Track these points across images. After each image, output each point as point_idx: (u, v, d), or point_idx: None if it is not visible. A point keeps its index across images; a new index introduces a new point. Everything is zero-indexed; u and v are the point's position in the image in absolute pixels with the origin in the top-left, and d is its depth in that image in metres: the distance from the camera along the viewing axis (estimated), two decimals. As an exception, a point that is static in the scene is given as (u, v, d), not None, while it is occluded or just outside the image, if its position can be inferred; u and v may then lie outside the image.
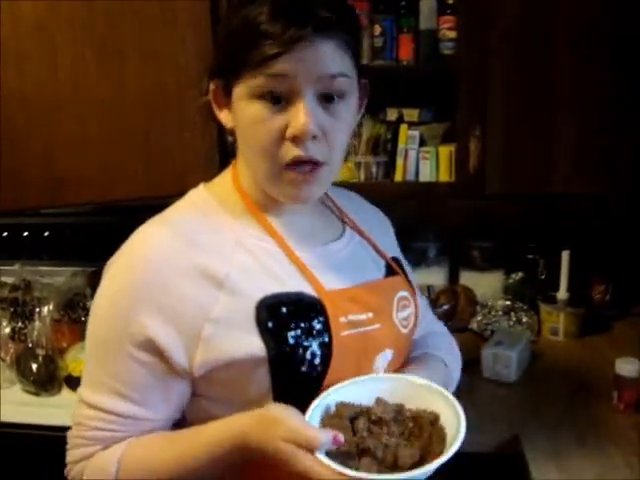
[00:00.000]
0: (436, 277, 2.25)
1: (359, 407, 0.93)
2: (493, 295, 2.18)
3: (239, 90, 0.94)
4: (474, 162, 1.85)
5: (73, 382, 1.87)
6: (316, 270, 1.01)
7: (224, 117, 1.01)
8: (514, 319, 2.05)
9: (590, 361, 1.88)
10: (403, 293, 1.13)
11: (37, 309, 1.97)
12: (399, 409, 0.93)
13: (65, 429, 1.73)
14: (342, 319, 0.99)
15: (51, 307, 1.96)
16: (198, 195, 1.05)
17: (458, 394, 1.70)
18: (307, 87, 0.91)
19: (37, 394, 1.84)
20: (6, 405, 1.77)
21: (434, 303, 2.11)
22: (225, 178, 1.08)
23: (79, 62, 1.76)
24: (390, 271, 1.15)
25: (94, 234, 2.39)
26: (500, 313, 2.06)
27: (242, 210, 1.03)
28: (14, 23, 1.70)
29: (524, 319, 2.05)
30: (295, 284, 0.99)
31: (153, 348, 0.94)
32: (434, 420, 0.92)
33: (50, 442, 1.75)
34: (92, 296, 2.20)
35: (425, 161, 1.95)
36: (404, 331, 1.10)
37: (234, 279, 0.95)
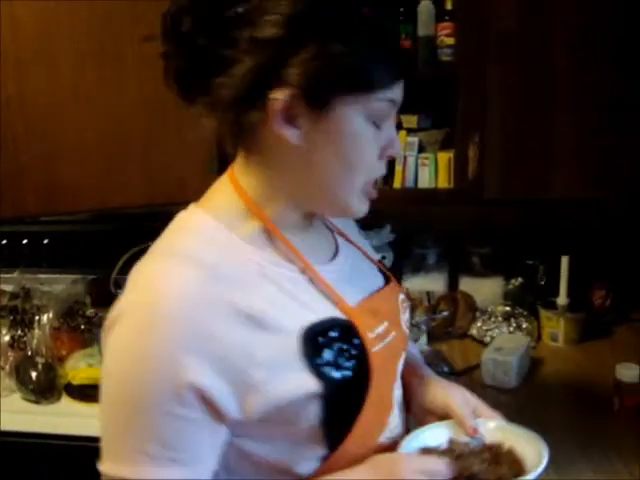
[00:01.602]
0: (435, 283, 2.25)
1: (439, 448, 1.00)
2: (493, 301, 2.17)
3: (346, 108, 0.88)
4: (473, 168, 1.85)
5: (72, 390, 1.87)
6: (336, 288, 0.98)
7: (287, 132, 0.88)
8: (514, 325, 2.04)
9: (590, 367, 1.88)
10: (402, 296, 1.14)
11: (36, 317, 1.97)
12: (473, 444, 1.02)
13: (64, 437, 1.73)
14: (370, 335, 0.97)
15: (50, 315, 1.96)
16: (202, 221, 0.93)
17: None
18: None
19: (36, 402, 1.84)
20: (5, 413, 1.76)
21: (434, 309, 2.11)
22: (225, 198, 0.96)
23: (78, 69, 1.76)
24: (385, 276, 1.15)
25: (93, 242, 2.40)
26: (500, 319, 2.06)
27: (256, 233, 0.94)
28: (13, 29, 1.70)
29: (524, 325, 2.05)
30: (324, 309, 0.95)
31: (201, 401, 0.83)
32: (508, 448, 1.03)
33: (49, 450, 1.75)
34: (92, 304, 2.24)
35: (424, 167, 1.96)
36: (407, 332, 1.12)
37: (271, 316, 0.88)
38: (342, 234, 1.14)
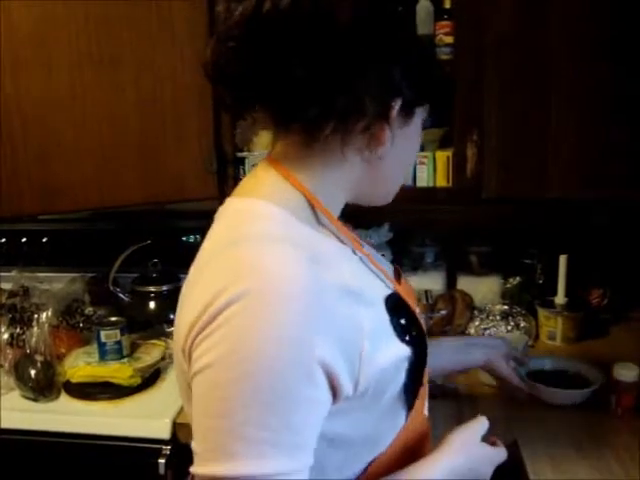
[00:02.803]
0: (434, 282, 2.25)
1: None
2: (491, 300, 2.18)
3: (420, 111, 1.00)
4: (471, 167, 1.85)
5: (71, 388, 1.87)
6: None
7: (386, 136, 0.94)
8: (512, 324, 2.05)
9: (588, 365, 1.89)
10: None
11: (35, 315, 1.96)
12: None
13: (63, 435, 1.74)
14: (416, 310, 1.06)
15: (49, 313, 1.95)
16: (267, 208, 0.93)
17: (457, 400, 1.71)
18: None
19: (35, 400, 1.84)
20: (5, 411, 1.77)
21: (432, 308, 2.11)
22: (282, 190, 0.96)
23: (75, 70, 1.77)
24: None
25: (92, 240, 2.40)
26: (498, 318, 2.06)
27: (311, 219, 0.97)
28: (10, 31, 1.71)
29: (522, 324, 2.05)
30: (382, 285, 1.01)
31: (327, 380, 0.84)
32: None
33: (48, 448, 1.76)
34: (90, 302, 2.25)
35: (422, 166, 1.95)
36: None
37: (363, 289, 0.91)
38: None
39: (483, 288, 2.22)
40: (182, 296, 0.94)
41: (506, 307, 2.10)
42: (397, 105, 0.92)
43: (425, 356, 1.01)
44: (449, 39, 1.87)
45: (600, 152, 1.78)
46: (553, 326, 2.05)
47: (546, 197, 1.89)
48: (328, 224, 0.99)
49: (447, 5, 1.89)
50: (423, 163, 1.95)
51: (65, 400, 1.86)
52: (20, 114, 1.75)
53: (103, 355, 1.92)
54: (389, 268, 1.14)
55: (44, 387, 1.85)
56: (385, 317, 0.95)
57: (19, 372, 1.87)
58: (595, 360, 1.83)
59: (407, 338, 0.96)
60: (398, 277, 1.14)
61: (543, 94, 1.78)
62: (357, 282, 0.92)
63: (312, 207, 0.97)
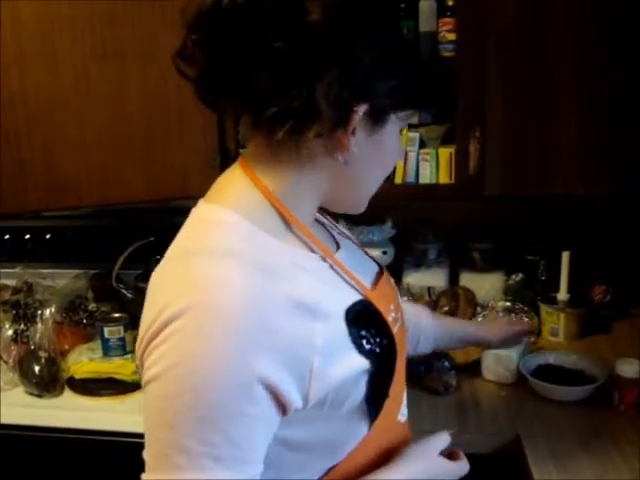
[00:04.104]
0: (436, 278, 2.25)
1: None
2: (493, 296, 2.18)
3: (395, 122, 0.96)
4: (474, 163, 1.85)
5: (75, 384, 1.88)
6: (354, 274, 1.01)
7: (349, 141, 0.90)
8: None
9: (590, 362, 1.89)
10: (392, 280, 1.20)
11: (39, 311, 1.97)
12: None
13: (67, 431, 1.74)
14: (389, 317, 1.02)
15: (53, 309, 1.96)
16: (225, 216, 0.91)
17: (460, 396, 1.72)
18: None
19: (39, 396, 1.85)
20: (8, 407, 1.78)
21: (434, 304, 2.11)
22: (244, 193, 0.95)
23: (79, 65, 1.77)
24: (376, 262, 1.20)
25: (95, 236, 2.40)
26: (500, 314, 2.06)
27: (277, 225, 0.94)
28: (14, 26, 1.71)
29: (524, 320, 2.05)
30: (350, 293, 0.98)
31: (270, 396, 0.84)
32: None
33: (52, 443, 1.76)
34: (94, 298, 2.25)
35: (425, 163, 1.96)
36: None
37: (318, 302, 0.89)
38: (335, 226, 1.18)
39: (486, 284, 2.22)
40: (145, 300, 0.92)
41: (509, 303, 2.09)
42: (361, 111, 0.88)
43: (392, 366, 0.99)
44: (452, 36, 1.87)
45: (602, 149, 1.79)
46: (556, 322, 2.05)
47: (548, 194, 1.89)
48: (296, 231, 0.96)
49: (450, 2, 1.89)
50: (426, 160, 1.95)
51: (69, 396, 1.86)
52: (25, 109, 1.75)
53: (107, 351, 1.93)
54: (371, 270, 1.13)
55: (48, 383, 1.85)
56: (343, 330, 0.92)
57: (23, 368, 1.88)
58: (598, 356, 1.83)
59: (368, 349, 0.94)
60: (378, 279, 1.11)
61: (546, 91, 1.78)
62: (314, 294, 0.89)
63: (280, 215, 0.94)
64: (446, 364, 1.78)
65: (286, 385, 0.84)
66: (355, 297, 0.97)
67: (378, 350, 0.96)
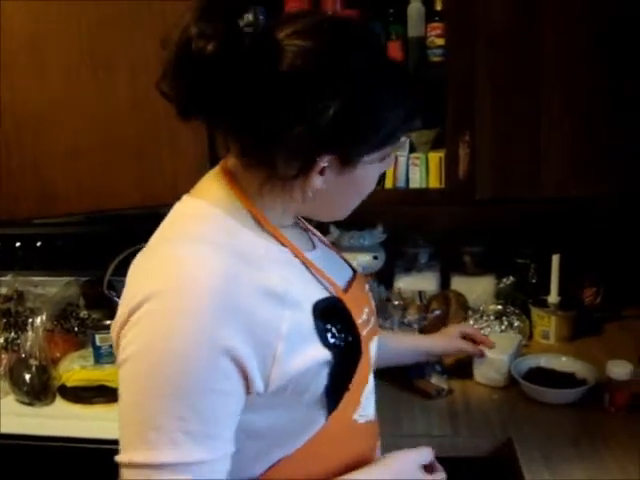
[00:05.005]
0: (427, 282, 2.25)
1: None
2: (485, 300, 2.18)
3: (372, 157, 0.99)
4: (464, 168, 1.86)
5: (66, 392, 1.87)
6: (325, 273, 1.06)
7: (317, 181, 0.97)
8: (506, 323, 2.05)
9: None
10: (367, 285, 1.25)
11: (30, 319, 1.96)
12: None
13: (58, 439, 1.73)
14: (359, 320, 1.06)
15: (44, 317, 1.95)
16: (204, 209, 0.98)
17: (452, 400, 1.72)
18: None
19: (30, 404, 1.84)
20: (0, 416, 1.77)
21: (426, 308, 2.11)
22: (220, 189, 1.01)
23: (69, 73, 1.77)
24: (351, 267, 1.24)
25: (87, 244, 2.39)
26: (492, 318, 2.06)
27: (252, 224, 1.00)
28: (4, 36, 1.71)
29: (516, 323, 2.06)
30: (321, 290, 1.03)
31: (238, 371, 0.88)
32: None
33: (44, 452, 1.76)
34: (85, 306, 2.24)
35: (415, 167, 1.96)
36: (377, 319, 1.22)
37: (288, 292, 0.94)
38: (309, 229, 1.22)
39: (477, 288, 2.23)
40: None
41: (500, 307, 2.10)
42: (323, 162, 0.94)
43: (355, 362, 1.02)
44: (441, 41, 1.88)
45: (592, 152, 1.80)
46: (547, 325, 2.06)
47: (539, 197, 1.90)
48: (268, 230, 1.01)
49: (438, 7, 1.89)
50: (416, 165, 1.96)
51: (60, 404, 1.85)
52: (14, 117, 1.75)
53: (98, 359, 1.92)
54: (345, 274, 1.18)
55: (39, 391, 1.84)
56: (309, 321, 0.96)
57: (14, 376, 1.87)
58: (589, 358, 1.83)
59: (332, 342, 0.98)
60: (351, 283, 1.16)
61: (535, 94, 1.79)
62: (285, 285, 0.94)
63: (252, 216, 1.00)
64: (437, 368, 1.78)
65: (251, 364, 0.88)
66: (324, 294, 1.02)
67: (342, 345, 0.99)
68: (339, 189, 1.01)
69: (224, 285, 0.86)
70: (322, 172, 0.96)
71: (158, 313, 0.86)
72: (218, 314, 0.85)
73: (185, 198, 1.03)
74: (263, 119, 0.90)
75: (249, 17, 0.89)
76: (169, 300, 0.86)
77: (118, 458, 0.88)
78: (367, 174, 1.02)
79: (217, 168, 1.06)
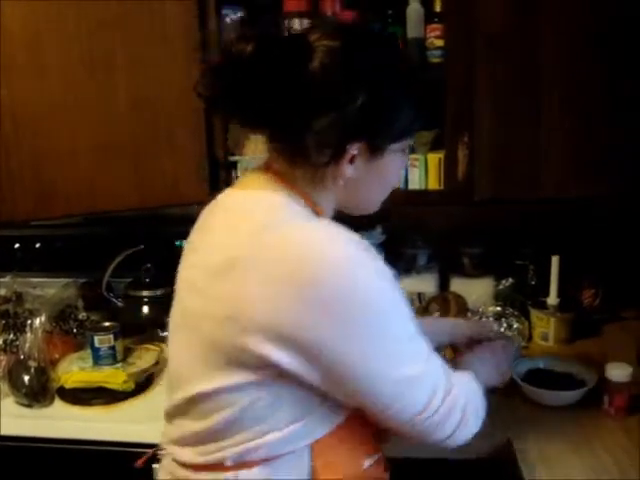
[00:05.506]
0: (426, 284, 2.25)
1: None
2: (484, 301, 2.18)
3: (395, 146, 1.11)
4: (463, 169, 1.86)
5: (65, 394, 1.87)
6: None
7: (349, 169, 1.08)
8: (505, 325, 2.05)
9: (581, 366, 1.89)
10: None
11: (29, 321, 1.96)
12: None
13: (57, 441, 1.72)
14: None
15: (43, 319, 1.95)
16: (282, 199, 1.09)
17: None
18: None
19: (29, 406, 1.84)
20: (-2, 418, 1.77)
21: (425, 310, 2.11)
22: (275, 189, 1.10)
23: (68, 73, 1.77)
24: None
25: (85, 245, 2.40)
26: (491, 319, 2.06)
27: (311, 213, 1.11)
28: (4, 36, 1.70)
29: (515, 325, 2.05)
30: None
31: None
32: None
33: (43, 453, 1.75)
34: (84, 307, 2.24)
35: (414, 169, 1.96)
36: None
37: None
38: None
39: (476, 290, 2.22)
40: (213, 290, 1.04)
41: (499, 308, 2.10)
42: (353, 150, 1.06)
43: None
44: (440, 42, 1.87)
45: (592, 152, 1.80)
46: (546, 327, 2.06)
47: (538, 198, 1.90)
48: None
49: (438, 8, 1.89)
50: (415, 166, 1.96)
51: (59, 406, 1.85)
52: (13, 118, 1.75)
53: (97, 360, 1.92)
54: None
55: (38, 393, 1.84)
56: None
57: (13, 378, 1.86)
58: (588, 360, 1.83)
59: None
60: None
61: (534, 95, 1.79)
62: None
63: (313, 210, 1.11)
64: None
65: None
66: None
67: None
68: (368, 178, 1.11)
69: (361, 256, 1.03)
70: (352, 160, 1.07)
71: (348, 274, 0.99)
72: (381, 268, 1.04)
73: (235, 191, 1.15)
74: (296, 110, 1.01)
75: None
76: (343, 269, 0.99)
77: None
78: (392, 163, 1.13)
79: (262, 178, 1.13)
